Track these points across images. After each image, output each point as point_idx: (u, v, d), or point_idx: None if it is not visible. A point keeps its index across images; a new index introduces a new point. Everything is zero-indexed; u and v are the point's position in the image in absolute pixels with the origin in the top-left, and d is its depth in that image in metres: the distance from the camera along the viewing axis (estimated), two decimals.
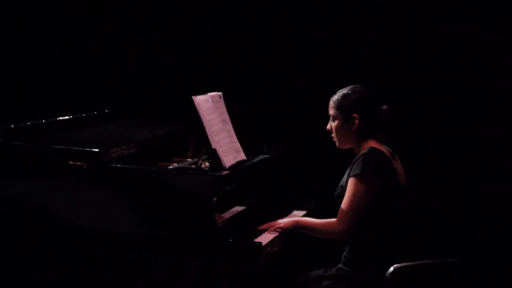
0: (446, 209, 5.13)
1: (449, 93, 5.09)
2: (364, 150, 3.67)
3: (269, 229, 3.86)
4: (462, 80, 5.04)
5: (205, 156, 3.92)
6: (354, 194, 3.58)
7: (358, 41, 5.22)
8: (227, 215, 3.86)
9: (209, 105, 3.97)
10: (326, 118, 3.83)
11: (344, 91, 3.77)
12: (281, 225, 3.84)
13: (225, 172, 3.80)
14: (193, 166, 4.03)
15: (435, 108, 5.12)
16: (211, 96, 4.04)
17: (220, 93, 4.15)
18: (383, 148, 3.71)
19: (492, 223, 5.03)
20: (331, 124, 3.79)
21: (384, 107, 3.77)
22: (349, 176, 3.63)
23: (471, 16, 4.99)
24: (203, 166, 3.96)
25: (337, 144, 3.82)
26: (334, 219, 3.67)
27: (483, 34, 4.98)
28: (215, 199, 3.58)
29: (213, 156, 3.84)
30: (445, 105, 5.10)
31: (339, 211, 3.63)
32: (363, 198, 3.57)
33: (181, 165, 4.14)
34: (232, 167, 3.90)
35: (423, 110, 5.15)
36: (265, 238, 3.74)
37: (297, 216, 4.10)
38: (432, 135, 5.14)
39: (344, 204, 3.61)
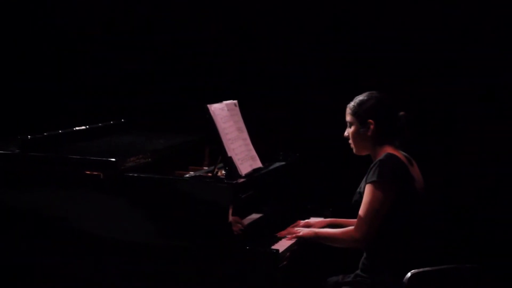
0: (463, 213, 5.12)
1: (468, 97, 5.10)
2: (380, 156, 3.66)
3: (288, 236, 3.86)
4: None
5: (221, 164, 3.93)
6: (371, 201, 3.57)
7: (377, 49, 5.23)
8: (244, 222, 3.86)
9: (224, 113, 3.97)
10: (343, 125, 3.83)
11: (360, 97, 3.78)
12: (300, 234, 3.83)
13: (241, 180, 3.80)
14: (209, 174, 4.03)
15: (453, 112, 5.13)
16: (227, 104, 4.05)
17: (235, 101, 4.15)
18: (400, 154, 3.70)
19: (510, 227, 5.01)
20: (348, 131, 3.80)
21: (401, 113, 3.77)
22: (366, 183, 3.63)
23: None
24: (219, 174, 3.97)
25: (354, 150, 3.82)
26: (352, 227, 3.66)
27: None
28: (231, 206, 3.58)
29: (229, 164, 3.84)
30: (463, 108, 5.11)
31: (357, 218, 3.62)
32: (380, 204, 3.56)
33: (197, 173, 4.15)
34: (248, 175, 3.90)
35: (440, 115, 5.16)
36: (282, 245, 3.74)
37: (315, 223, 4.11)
38: (449, 138, 5.14)
39: (361, 211, 3.60)
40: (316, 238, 3.79)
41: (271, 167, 4.22)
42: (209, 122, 3.86)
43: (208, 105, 3.88)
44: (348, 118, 3.79)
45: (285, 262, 3.68)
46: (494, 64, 5.02)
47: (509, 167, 5.04)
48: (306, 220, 4.13)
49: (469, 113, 5.10)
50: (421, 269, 3.42)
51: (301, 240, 3.82)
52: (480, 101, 5.07)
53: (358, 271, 3.72)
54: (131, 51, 5.80)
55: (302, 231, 3.85)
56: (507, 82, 5.01)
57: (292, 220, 4.11)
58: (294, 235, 3.84)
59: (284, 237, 3.86)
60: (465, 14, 5.05)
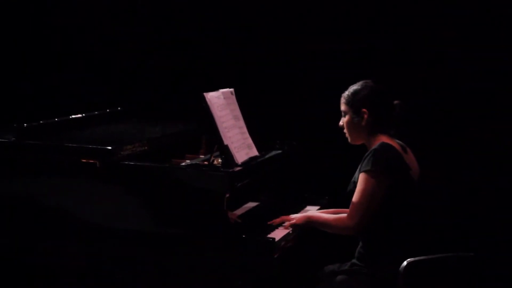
0: (459, 202, 5.12)
1: (461, 87, 5.09)
2: (375, 145, 3.66)
3: (282, 224, 3.87)
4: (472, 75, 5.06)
5: (218, 153, 3.93)
6: (364, 190, 3.58)
7: (371, 37, 5.22)
8: (240, 211, 3.86)
9: (220, 101, 3.97)
10: (339, 114, 3.83)
11: (354, 86, 3.78)
12: (294, 220, 3.85)
13: (238, 168, 3.81)
14: (206, 162, 4.02)
15: (447, 102, 5.13)
16: (223, 93, 4.04)
17: (231, 89, 4.15)
18: (395, 143, 3.70)
19: (506, 216, 5.02)
20: (343, 120, 3.80)
21: (396, 102, 3.77)
22: (360, 172, 3.64)
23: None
24: (215, 162, 3.96)
25: (349, 140, 3.82)
26: (344, 215, 3.67)
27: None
28: (228, 195, 3.58)
29: (226, 152, 3.84)
30: (459, 99, 5.10)
31: (350, 206, 3.63)
32: (373, 193, 3.57)
33: (194, 162, 4.15)
34: (244, 163, 3.90)
35: (435, 105, 5.15)
36: (278, 234, 3.74)
37: (310, 211, 4.11)
38: (445, 128, 5.14)
39: (355, 199, 3.61)
40: (310, 222, 3.81)
41: (268, 156, 4.22)
42: (206, 111, 3.85)
43: (205, 94, 3.88)
44: (343, 107, 3.79)
45: (281, 251, 3.68)
46: (494, 64, 5.01)
47: (509, 167, 5.05)
48: (301, 212, 4.13)
49: (469, 113, 5.09)
50: (417, 258, 3.43)
51: (296, 227, 3.83)
52: (480, 101, 5.06)
53: (355, 260, 3.73)
54: (130, 46, 5.80)
55: (296, 217, 3.86)
56: (507, 82, 5.01)
57: (288, 208, 4.11)
58: (288, 222, 3.85)
59: (280, 225, 3.86)
60: (465, 14, 5.04)
